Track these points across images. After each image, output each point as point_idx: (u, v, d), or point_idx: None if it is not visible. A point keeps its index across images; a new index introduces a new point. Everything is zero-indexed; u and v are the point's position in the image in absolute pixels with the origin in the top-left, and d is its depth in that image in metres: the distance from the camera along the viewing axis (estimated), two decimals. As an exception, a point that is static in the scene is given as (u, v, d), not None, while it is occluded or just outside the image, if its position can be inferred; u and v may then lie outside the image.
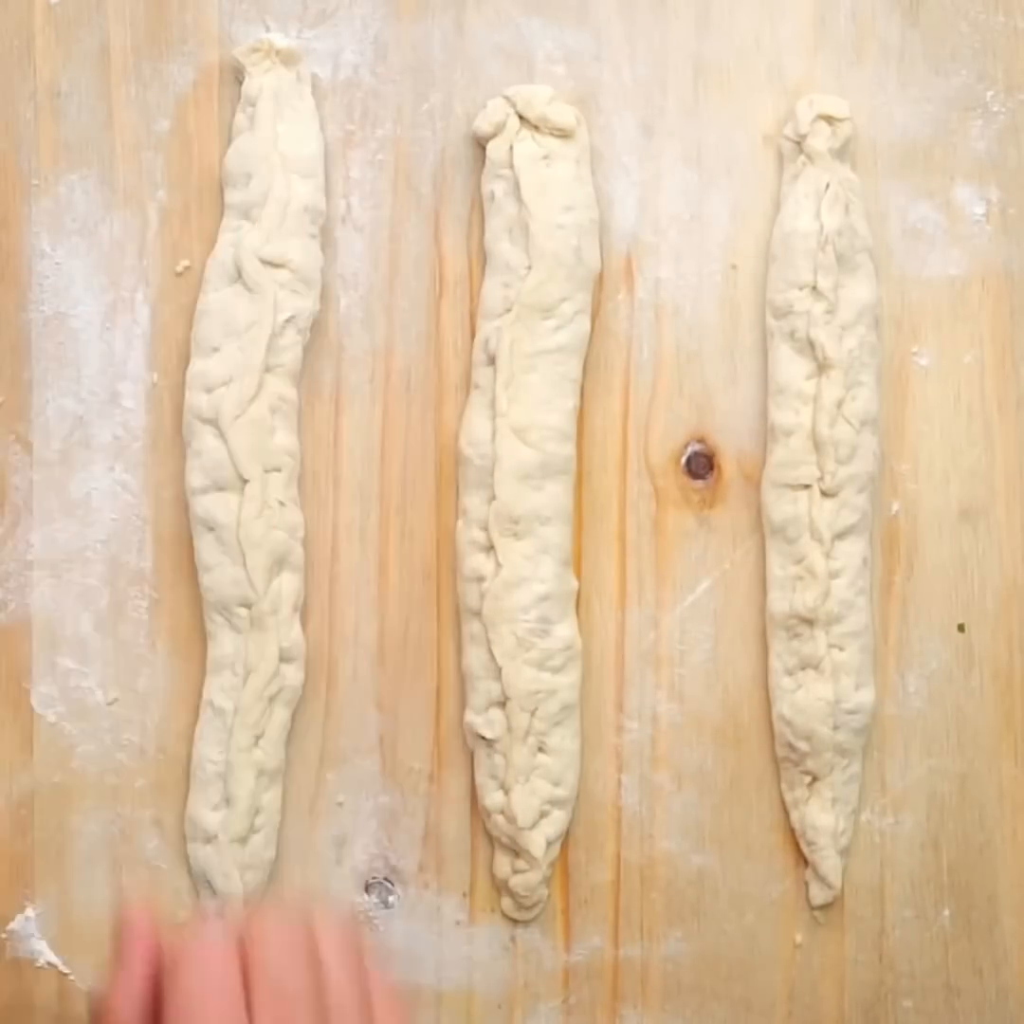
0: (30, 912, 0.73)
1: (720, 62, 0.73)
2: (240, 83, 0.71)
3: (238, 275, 0.70)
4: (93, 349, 0.72)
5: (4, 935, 0.73)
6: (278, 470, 0.70)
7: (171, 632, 0.72)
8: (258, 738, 0.71)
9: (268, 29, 0.72)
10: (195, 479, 0.70)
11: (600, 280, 0.73)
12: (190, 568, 0.72)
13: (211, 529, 0.70)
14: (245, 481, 0.70)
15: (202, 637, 0.72)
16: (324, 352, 0.73)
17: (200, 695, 0.72)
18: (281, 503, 0.70)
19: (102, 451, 0.72)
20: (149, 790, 0.73)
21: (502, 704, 0.71)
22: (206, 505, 0.70)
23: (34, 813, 0.72)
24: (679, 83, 0.73)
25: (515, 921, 0.73)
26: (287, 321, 0.70)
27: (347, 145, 0.72)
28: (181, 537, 0.72)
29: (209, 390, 0.70)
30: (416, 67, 0.72)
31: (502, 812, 0.71)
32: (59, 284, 0.72)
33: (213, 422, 0.69)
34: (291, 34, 0.72)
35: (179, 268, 0.72)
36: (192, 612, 0.72)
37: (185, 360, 0.72)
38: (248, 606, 0.70)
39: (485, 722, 0.72)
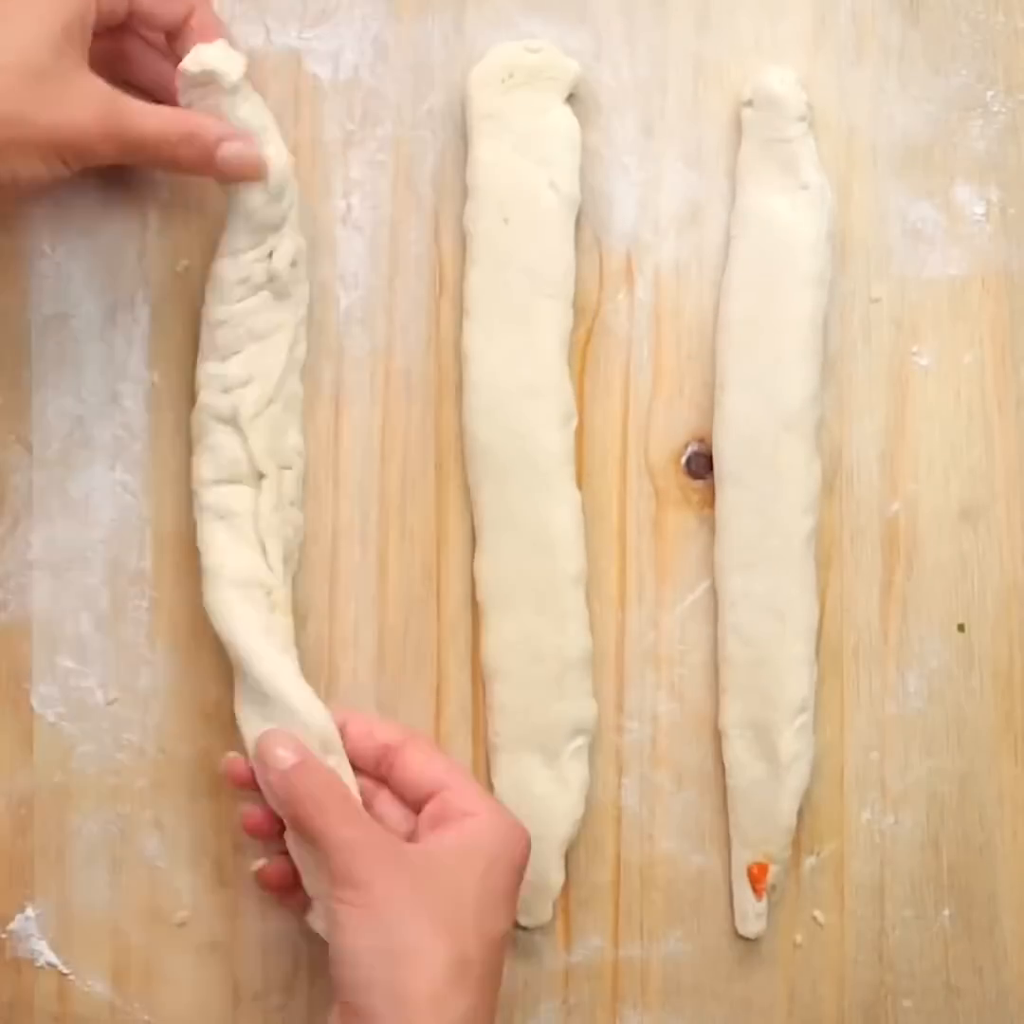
0: (30, 912, 0.73)
1: (720, 62, 0.73)
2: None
3: (266, 282, 0.69)
4: (93, 349, 0.72)
5: (4, 935, 0.73)
6: (289, 468, 0.70)
7: (171, 632, 0.72)
8: None
9: (268, 29, 0.72)
10: (206, 471, 0.69)
11: (600, 280, 0.73)
12: (190, 568, 0.72)
13: (223, 517, 0.69)
14: (262, 476, 0.70)
15: (202, 637, 0.72)
16: (324, 352, 0.73)
17: (200, 695, 0.72)
18: (291, 503, 0.71)
19: (102, 451, 0.72)
20: (149, 790, 0.73)
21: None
22: (218, 494, 0.69)
23: (34, 813, 0.72)
24: (679, 83, 0.73)
25: (518, 925, 0.73)
26: (300, 320, 0.70)
27: (347, 145, 0.72)
28: (181, 537, 0.72)
29: (227, 390, 0.69)
30: (416, 67, 0.72)
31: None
32: (59, 284, 0.72)
33: (231, 420, 0.69)
34: (291, 34, 0.72)
35: (179, 268, 0.72)
36: (192, 612, 0.72)
37: (185, 360, 0.72)
38: (266, 590, 0.70)
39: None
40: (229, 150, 0.66)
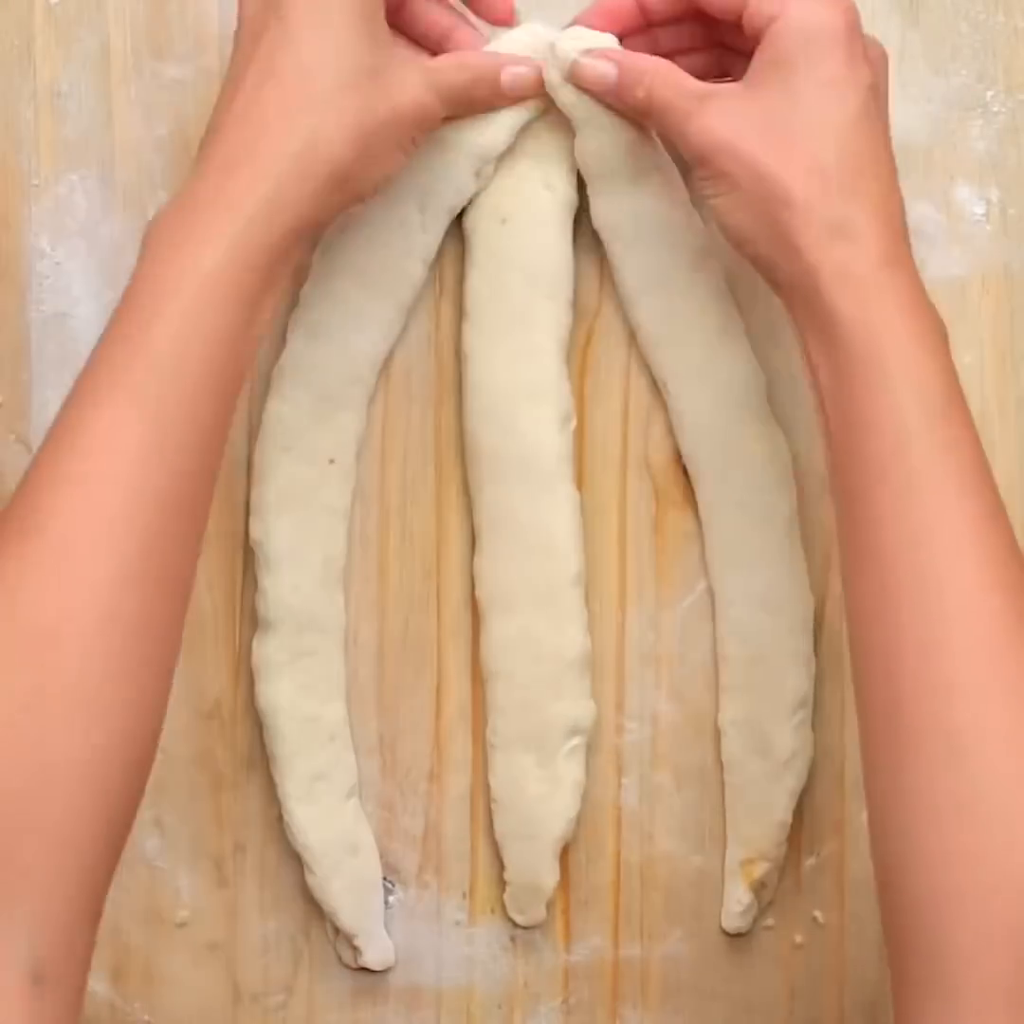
0: (30, 912, 0.73)
1: (720, 62, 0.72)
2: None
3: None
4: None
5: (4, 935, 0.73)
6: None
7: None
8: None
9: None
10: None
11: (600, 280, 0.72)
12: (190, 568, 0.72)
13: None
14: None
15: (202, 637, 0.72)
16: (324, 352, 0.73)
17: (200, 695, 0.72)
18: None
19: (102, 451, 0.72)
20: (149, 790, 0.72)
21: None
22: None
23: (34, 813, 0.72)
24: (679, 83, 0.72)
25: (515, 924, 0.73)
26: None
27: (347, 145, 0.72)
28: (181, 537, 0.72)
29: None
30: (416, 67, 0.72)
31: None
32: (59, 284, 0.72)
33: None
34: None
35: (179, 268, 0.72)
36: (192, 612, 0.72)
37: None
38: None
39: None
40: (509, 76, 0.68)
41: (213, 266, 0.58)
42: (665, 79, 0.65)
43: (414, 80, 0.64)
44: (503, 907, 0.73)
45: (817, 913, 0.73)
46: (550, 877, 0.72)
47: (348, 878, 0.71)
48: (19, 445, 0.72)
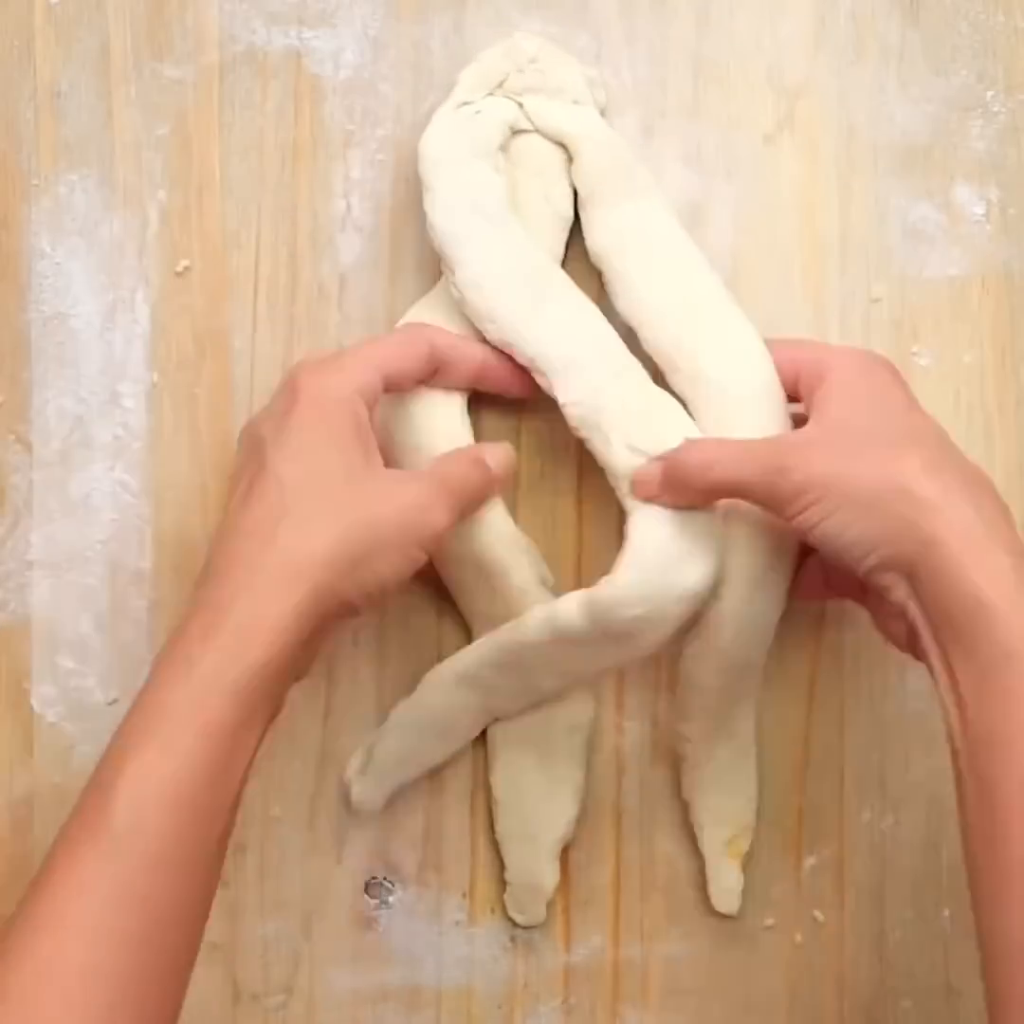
0: (30, 912, 0.73)
1: (720, 62, 0.73)
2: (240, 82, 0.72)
3: None
4: (93, 349, 0.72)
5: (4, 935, 0.73)
6: None
7: (171, 632, 0.72)
8: None
9: (268, 29, 0.72)
10: None
11: (600, 281, 0.72)
12: (190, 568, 0.72)
13: None
14: None
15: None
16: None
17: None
18: None
19: (102, 451, 0.72)
20: (149, 790, 0.72)
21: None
22: None
23: (34, 813, 0.72)
24: (679, 83, 0.73)
25: (515, 924, 0.73)
26: None
27: (347, 145, 0.72)
28: (181, 537, 0.72)
29: None
30: (416, 67, 0.72)
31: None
32: (59, 284, 0.72)
33: None
34: (291, 34, 0.72)
35: (179, 268, 0.72)
36: (192, 612, 0.72)
37: (185, 360, 0.72)
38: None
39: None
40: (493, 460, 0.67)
41: (182, 699, 0.57)
42: (732, 459, 0.63)
43: (415, 487, 0.63)
44: (503, 907, 0.73)
45: (817, 913, 0.73)
46: (550, 877, 0.72)
47: None
48: (19, 445, 0.72)
